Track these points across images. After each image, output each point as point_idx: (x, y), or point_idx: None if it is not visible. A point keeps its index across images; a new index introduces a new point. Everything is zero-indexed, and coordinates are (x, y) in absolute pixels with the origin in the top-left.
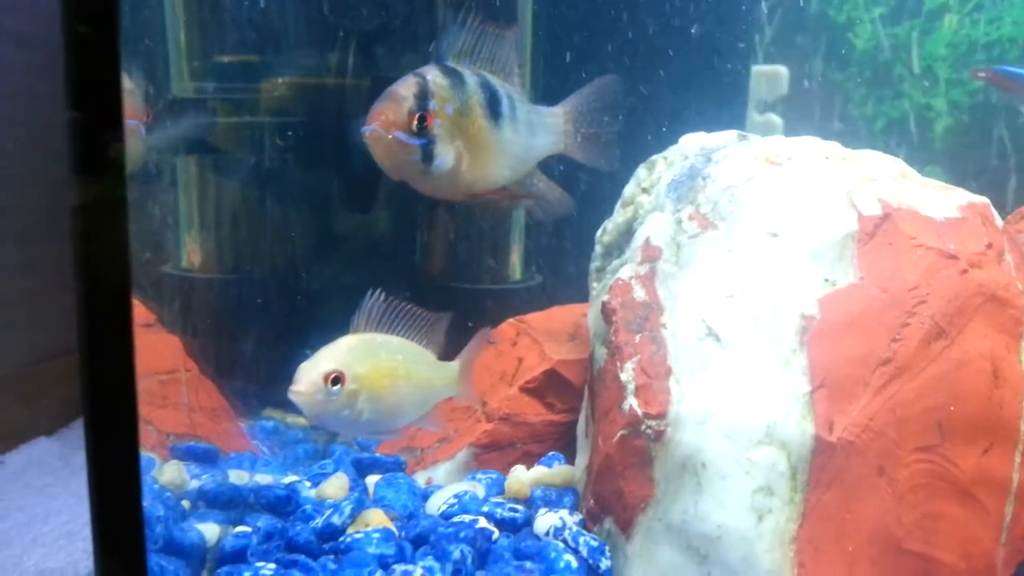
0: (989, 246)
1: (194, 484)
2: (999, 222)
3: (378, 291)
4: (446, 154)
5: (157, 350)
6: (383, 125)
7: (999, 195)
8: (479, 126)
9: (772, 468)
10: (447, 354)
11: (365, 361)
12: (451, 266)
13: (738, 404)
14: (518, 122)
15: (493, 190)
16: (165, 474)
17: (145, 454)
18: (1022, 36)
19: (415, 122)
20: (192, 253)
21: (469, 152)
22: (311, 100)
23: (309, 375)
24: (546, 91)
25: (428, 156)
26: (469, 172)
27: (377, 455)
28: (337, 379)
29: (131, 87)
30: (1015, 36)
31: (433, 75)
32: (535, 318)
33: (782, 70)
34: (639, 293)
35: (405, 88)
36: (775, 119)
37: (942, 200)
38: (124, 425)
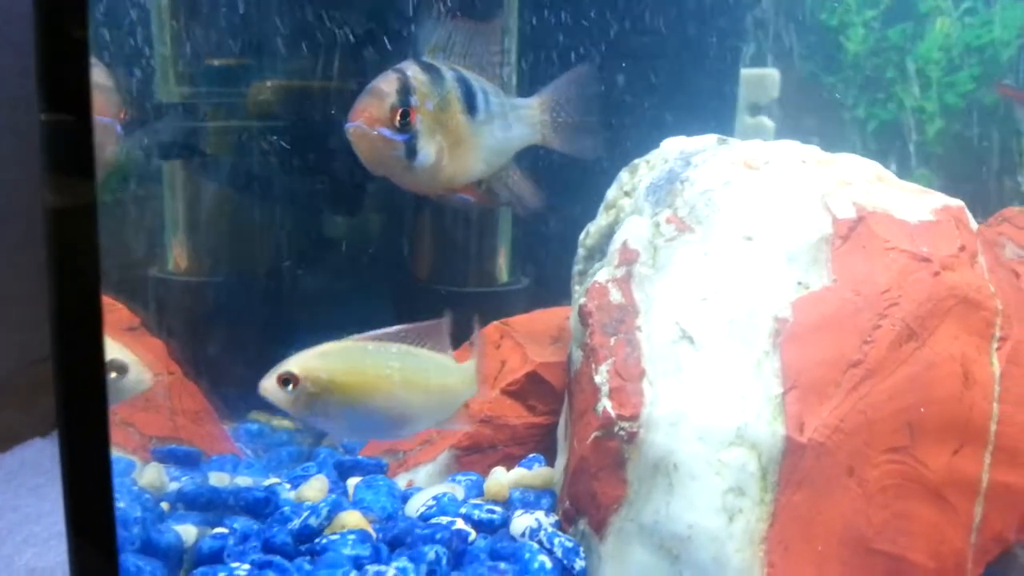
0: (962, 248)
1: (174, 486)
2: (974, 225)
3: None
4: (428, 149)
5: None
6: (367, 121)
7: (991, 197)
8: (457, 120)
9: (743, 469)
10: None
11: (334, 366)
12: (437, 269)
13: (710, 406)
14: (494, 115)
15: (471, 184)
16: (145, 476)
17: (126, 456)
18: (1013, 39)
19: (398, 118)
20: (178, 256)
21: (449, 146)
22: (297, 103)
23: (268, 376)
24: (532, 90)
25: (411, 151)
26: (449, 166)
27: (360, 458)
28: (288, 380)
29: (106, 84)
30: (1006, 39)
31: (412, 71)
32: (519, 321)
33: (773, 73)
34: (615, 296)
35: (386, 84)
36: (767, 122)
37: (917, 203)
38: (95, 425)
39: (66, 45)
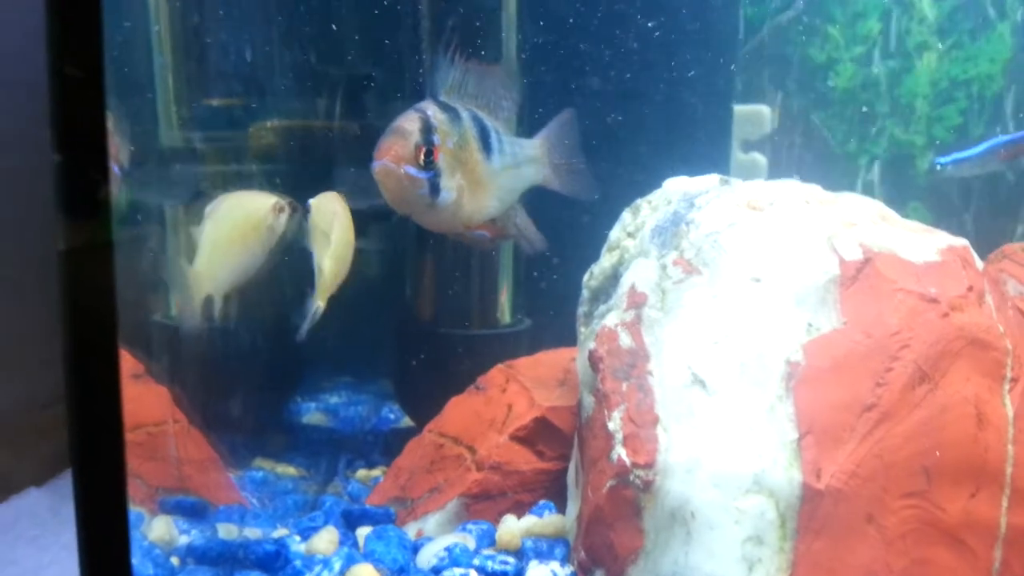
0: (970, 289)
1: (183, 540)
2: (979, 264)
3: None
4: (450, 187)
5: (146, 401)
6: (393, 159)
7: (980, 231)
8: (475, 159)
9: (761, 517)
10: None
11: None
12: (439, 311)
13: (726, 452)
14: (505, 154)
15: (486, 223)
16: (154, 530)
17: (134, 508)
18: (999, 73)
19: (422, 156)
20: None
21: (467, 184)
22: (299, 146)
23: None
24: (529, 132)
25: (435, 189)
26: (468, 204)
27: (368, 507)
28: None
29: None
30: (992, 73)
31: (432, 110)
32: (524, 363)
33: (765, 110)
34: (625, 340)
35: (409, 123)
36: (759, 158)
37: (922, 243)
38: (113, 478)
39: (82, 86)
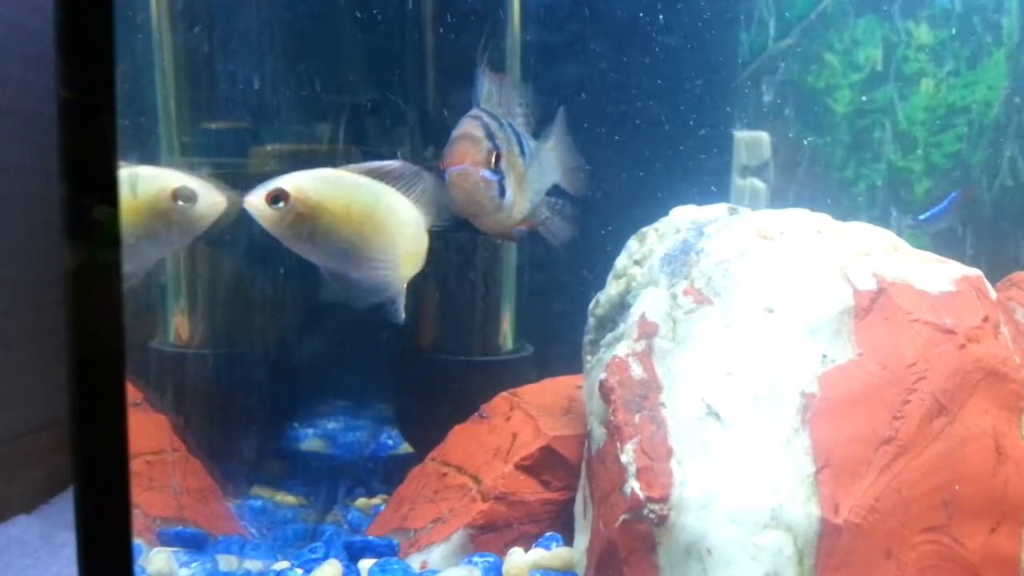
0: (985, 319)
1: (184, 573)
2: (993, 294)
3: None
4: (510, 189)
5: (144, 430)
6: (471, 163)
7: (979, 257)
8: (518, 162)
9: (779, 553)
10: None
11: (326, 190)
12: (441, 338)
13: (742, 486)
14: (534, 157)
15: (525, 220)
16: (153, 563)
17: (134, 540)
18: (996, 99)
19: (493, 160)
20: (180, 327)
21: (515, 185)
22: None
23: (256, 192)
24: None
25: (502, 191)
26: (518, 204)
27: (370, 538)
28: (278, 198)
29: None
30: (990, 99)
31: (486, 118)
32: (528, 391)
33: (764, 136)
34: (637, 371)
35: (475, 130)
36: (758, 184)
37: (936, 273)
38: (116, 505)
39: (92, 109)
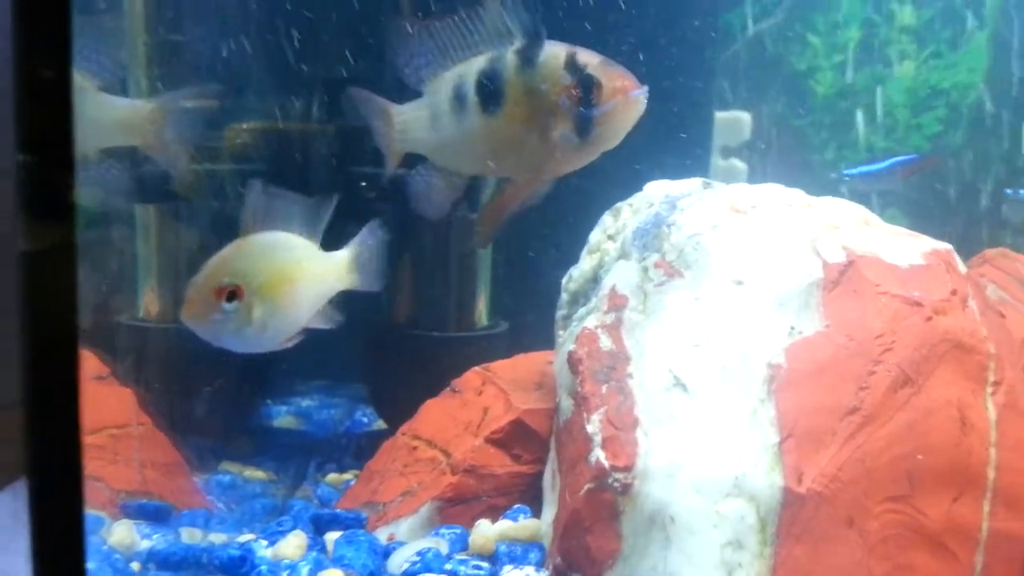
0: (953, 292)
1: (145, 544)
2: (963, 268)
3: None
4: None
5: (109, 403)
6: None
7: (957, 237)
8: None
9: (741, 521)
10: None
11: (268, 267)
12: (415, 313)
13: (706, 456)
14: None
15: None
16: (115, 534)
17: (95, 513)
18: (976, 82)
19: None
20: (150, 303)
21: None
22: (274, 147)
23: (195, 292)
24: None
25: None
26: None
27: (338, 511)
28: (233, 294)
29: None
30: (970, 82)
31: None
32: (501, 366)
33: (744, 116)
34: (605, 343)
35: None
36: (738, 164)
37: (906, 247)
38: (68, 481)
39: (49, 83)
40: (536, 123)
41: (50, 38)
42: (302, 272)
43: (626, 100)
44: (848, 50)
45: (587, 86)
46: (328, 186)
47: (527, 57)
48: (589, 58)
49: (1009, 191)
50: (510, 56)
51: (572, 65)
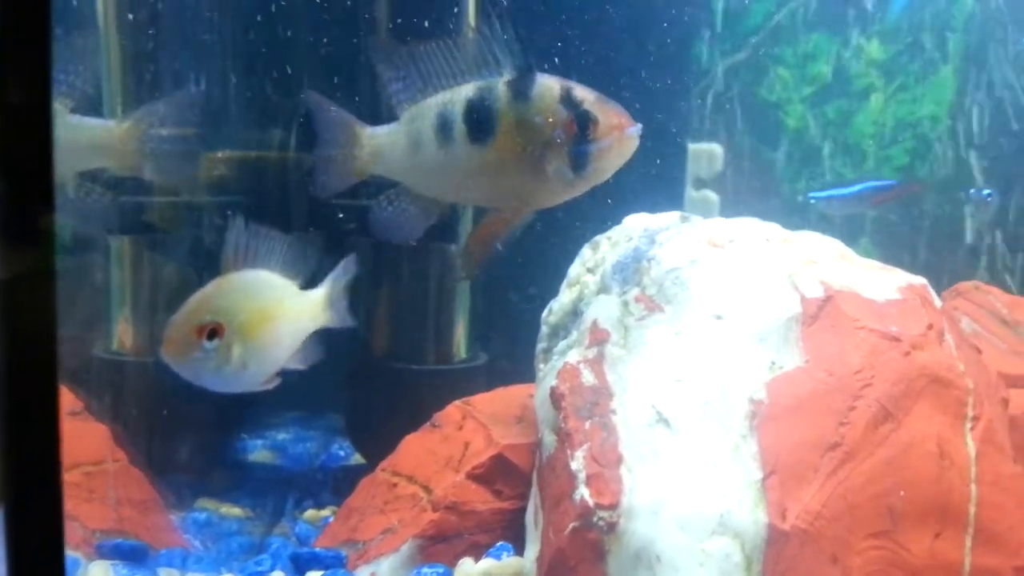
0: (930, 327)
1: None
2: (938, 302)
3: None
4: None
5: (83, 439)
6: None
7: (926, 267)
8: None
9: (727, 559)
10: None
11: (249, 304)
12: (393, 345)
13: (691, 493)
14: None
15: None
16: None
17: (70, 553)
18: (943, 114)
19: None
20: (124, 335)
21: None
22: (250, 177)
23: (174, 330)
24: None
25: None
26: None
27: (317, 550)
28: (214, 332)
29: None
30: (937, 114)
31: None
32: (481, 400)
33: (717, 148)
34: (588, 378)
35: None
36: (711, 196)
37: (882, 281)
38: (48, 518)
39: (26, 108)
40: (529, 155)
41: (29, 60)
42: (282, 311)
43: (621, 137)
44: (817, 83)
45: (584, 122)
46: (304, 217)
47: (520, 89)
48: (585, 94)
49: (973, 190)
50: (501, 87)
51: (568, 100)
